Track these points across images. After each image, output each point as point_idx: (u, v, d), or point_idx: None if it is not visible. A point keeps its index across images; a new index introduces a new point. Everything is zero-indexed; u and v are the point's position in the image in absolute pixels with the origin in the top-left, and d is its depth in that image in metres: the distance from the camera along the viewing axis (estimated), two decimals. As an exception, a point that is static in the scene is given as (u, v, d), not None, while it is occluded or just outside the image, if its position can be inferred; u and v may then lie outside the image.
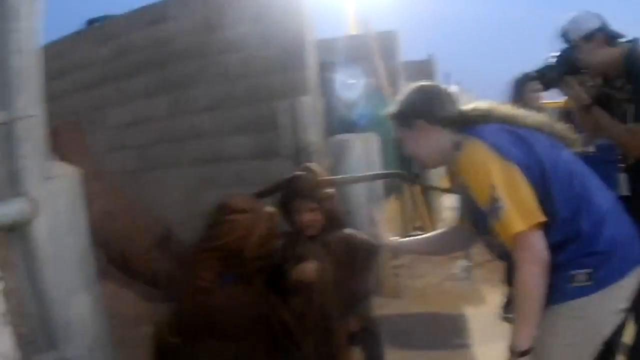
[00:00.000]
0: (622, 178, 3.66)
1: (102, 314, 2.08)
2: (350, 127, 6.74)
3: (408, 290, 6.89)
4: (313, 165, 3.80)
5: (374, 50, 9.69)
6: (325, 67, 6.71)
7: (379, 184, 6.62)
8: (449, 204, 12.35)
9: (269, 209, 3.49)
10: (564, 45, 3.85)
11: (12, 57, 1.77)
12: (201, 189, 6.14)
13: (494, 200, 2.36)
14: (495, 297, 6.44)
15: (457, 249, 3.44)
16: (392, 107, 2.83)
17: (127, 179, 6.88)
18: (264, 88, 5.90)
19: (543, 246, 2.36)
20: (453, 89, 2.86)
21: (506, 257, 2.51)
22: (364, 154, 6.01)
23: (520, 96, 5.31)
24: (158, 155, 6.79)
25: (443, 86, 2.91)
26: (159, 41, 6.68)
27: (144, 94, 6.84)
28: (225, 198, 3.39)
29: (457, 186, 2.76)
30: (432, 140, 2.71)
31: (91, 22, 7.92)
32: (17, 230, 1.77)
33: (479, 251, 8.45)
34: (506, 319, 5.49)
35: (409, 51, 12.44)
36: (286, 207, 3.62)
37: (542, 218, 2.36)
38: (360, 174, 5.49)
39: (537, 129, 2.63)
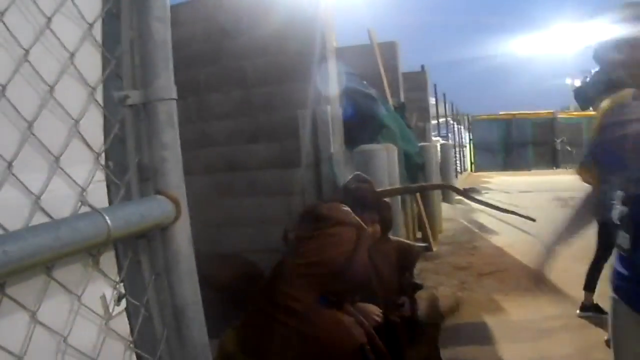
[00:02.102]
0: None
1: (199, 294, 1.67)
2: (370, 136, 6.68)
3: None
4: (364, 175, 3.77)
5: (379, 60, 9.67)
6: (344, 77, 6.67)
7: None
8: (446, 215, 12.41)
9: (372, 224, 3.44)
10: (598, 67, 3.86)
11: (155, 26, 1.48)
12: (216, 196, 6.05)
13: None
14: (511, 305, 6.46)
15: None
16: None
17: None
18: (281, 96, 5.84)
19: None
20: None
21: None
22: (388, 164, 5.96)
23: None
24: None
25: None
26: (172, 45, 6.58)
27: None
28: (317, 207, 3.21)
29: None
30: None
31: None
32: (148, 236, 1.46)
33: (486, 262, 8.56)
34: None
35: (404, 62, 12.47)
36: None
37: None
38: (412, 185, 5.49)
39: None
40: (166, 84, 1.48)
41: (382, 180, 5.63)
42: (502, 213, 5.98)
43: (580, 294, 6.06)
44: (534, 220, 4.56)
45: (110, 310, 1.41)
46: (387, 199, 3.78)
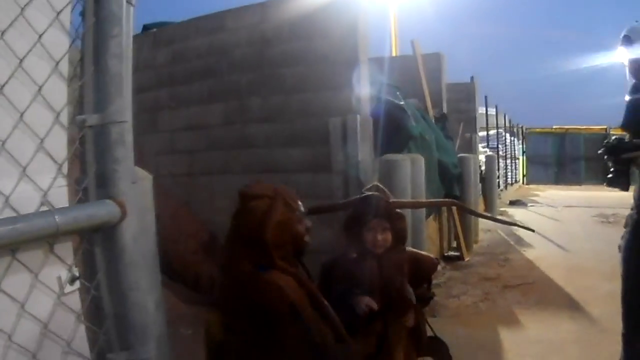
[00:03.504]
0: None
1: (165, 317, 2.14)
2: (399, 146, 6.87)
3: (443, 309, 6.99)
4: (382, 185, 3.90)
5: (421, 71, 9.80)
6: (377, 87, 6.86)
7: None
8: (485, 226, 12.44)
9: (289, 193, 3.54)
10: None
11: (111, 62, 1.87)
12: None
13: None
14: (529, 319, 6.57)
15: None
16: None
17: (176, 183, 7.07)
18: (316, 103, 6.04)
19: None
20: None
21: None
22: (412, 174, 6.14)
23: None
24: (208, 161, 6.97)
25: None
26: (215, 50, 6.87)
27: (198, 100, 7.03)
28: (245, 186, 3.44)
29: None
30: None
31: (147, 27, 8.08)
32: (103, 232, 1.86)
33: (515, 274, 8.66)
34: None
35: (449, 72, 12.57)
36: (357, 224, 3.71)
37: None
38: (426, 199, 5.61)
39: None
40: (118, 109, 1.91)
41: (405, 189, 5.82)
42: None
43: (600, 312, 6.11)
44: (532, 230, 4.61)
45: (64, 289, 1.84)
46: (400, 210, 3.88)
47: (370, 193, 3.76)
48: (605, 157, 3.91)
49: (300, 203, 3.40)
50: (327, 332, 3.17)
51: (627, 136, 4.05)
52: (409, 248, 3.88)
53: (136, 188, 1.95)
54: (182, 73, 7.22)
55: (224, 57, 6.79)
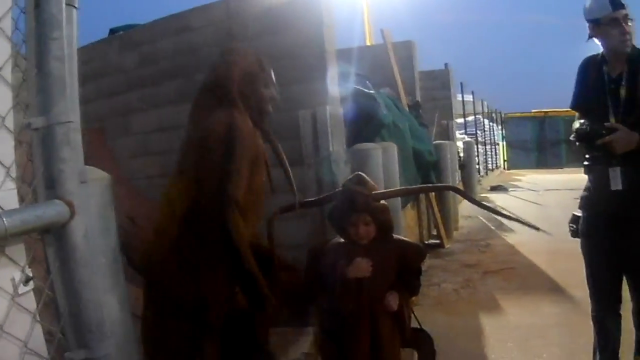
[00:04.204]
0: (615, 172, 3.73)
1: (129, 315, 2.17)
2: (370, 136, 6.83)
3: (423, 297, 6.97)
4: (364, 176, 3.83)
5: (392, 60, 9.78)
6: (346, 77, 6.83)
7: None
8: (465, 212, 12.46)
9: (265, 59, 3.65)
10: None
11: (53, 64, 1.86)
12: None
13: None
14: (510, 304, 6.58)
15: None
16: None
17: (151, 185, 7.01)
18: (286, 97, 5.99)
19: None
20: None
21: None
22: (384, 163, 6.10)
23: None
24: (182, 161, 6.89)
25: None
26: (183, 50, 6.80)
27: (169, 101, 6.96)
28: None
29: None
30: None
31: (113, 31, 8.04)
32: (53, 232, 1.87)
33: (496, 260, 8.66)
34: None
35: (425, 61, 12.58)
36: (339, 218, 3.70)
37: None
38: (413, 186, 5.55)
39: None
40: (63, 110, 1.88)
41: (378, 178, 5.78)
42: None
43: (582, 294, 6.14)
44: (537, 229, 4.52)
45: (18, 290, 1.85)
46: (384, 202, 3.84)
47: (350, 186, 3.72)
48: (578, 144, 3.88)
49: (272, 74, 3.68)
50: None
51: (576, 116, 4.05)
52: (397, 236, 3.86)
53: (87, 187, 1.97)
54: (151, 75, 7.15)
55: (191, 57, 6.72)
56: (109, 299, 2.01)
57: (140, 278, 3.67)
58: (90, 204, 1.97)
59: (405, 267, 3.69)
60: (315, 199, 4.29)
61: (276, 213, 3.89)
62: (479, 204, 4.61)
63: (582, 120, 3.79)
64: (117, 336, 2.02)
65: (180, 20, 6.86)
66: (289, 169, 3.89)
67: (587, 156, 3.89)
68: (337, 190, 3.90)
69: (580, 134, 3.77)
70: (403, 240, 3.90)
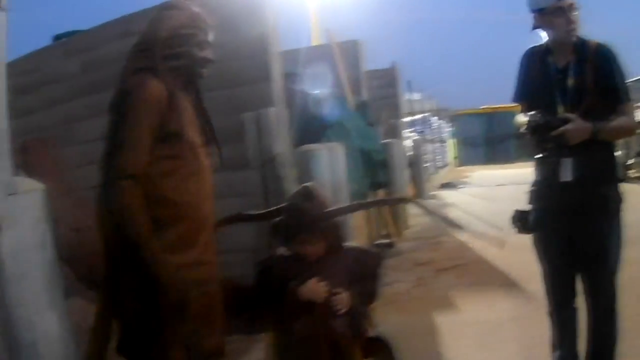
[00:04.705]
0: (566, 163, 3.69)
1: (69, 331, 2.02)
2: (315, 137, 6.77)
3: (376, 299, 6.89)
4: (314, 188, 3.55)
5: (337, 60, 9.74)
6: (290, 78, 6.75)
7: (344, 193, 6.64)
8: (415, 210, 12.45)
9: (207, 17, 3.36)
10: None
11: None
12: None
13: None
14: (465, 301, 6.55)
15: None
16: None
17: (96, 194, 6.84)
18: (230, 100, 5.90)
19: None
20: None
21: None
22: (330, 164, 6.04)
23: None
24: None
25: None
26: (124, 56, 6.65)
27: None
28: None
29: None
30: None
31: (58, 37, 7.85)
32: None
33: (448, 257, 8.64)
34: None
35: (373, 60, 12.55)
36: (284, 236, 3.46)
37: None
38: (367, 201, 5.37)
39: None
40: None
41: (324, 179, 5.71)
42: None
43: (536, 288, 6.11)
44: (503, 245, 4.32)
45: None
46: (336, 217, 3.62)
47: (297, 203, 3.51)
48: (530, 136, 3.82)
49: (212, 34, 3.32)
50: None
51: (520, 109, 4.00)
52: (350, 244, 3.67)
53: (18, 199, 1.82)
54: (94, 81, 6.98)
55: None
56: (46, 315, 1.90)
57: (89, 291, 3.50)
58: (21, 217, 1.83)
59: (360, 275, 3.51)
60: (260, 213, 3.89)
61: (217, 226, 3.62)
62: (434, 214, 4.42)
63: (532, 112, 3.72)
64: (54, 354, 1.88)
65: (123, 24, 6.69)
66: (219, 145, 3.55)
67: (539, 148, 3.83)
68: (283, 205, 3.56)
69: (533, 126, 3.70)
70: (356, 249, 3.67)
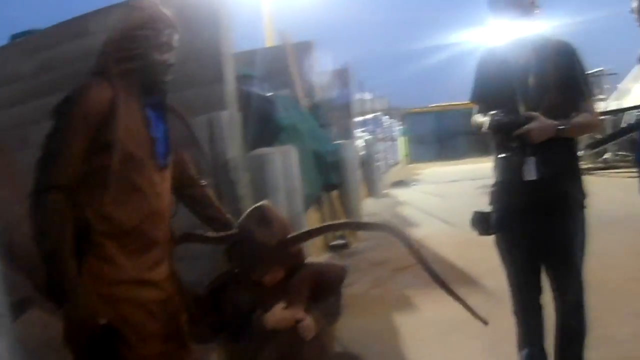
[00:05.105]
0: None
1: (17, 349, 1.86)
2: (269, 139, 6.71)
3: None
4: (269, 211, 3.38)
5: (291, 61, 9.68)
6: (242, 80, 6.67)
7: (298, 197, 6.58)
8: (368, 210, 12.43)
9: (169, 16, 3.09)
10: None
11: None
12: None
13: None
14: (424, 300, 6.49)
15: None
16: None
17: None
18: (181, 102, 5.77)
19: None
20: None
21: None
22: (284, 168, 5.97)
23: None
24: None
25: None
26: (82, 56, 6.46)
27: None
28: None
29: None
30: None
31: (15, 37, 7.65)
32: None
33: (404, 256, 8.60)
34: None
35: (325, 61, 12.52)
36: (242, 265, 3.33)
37: None
38: (329, 223, 5.12)
39: None
40: None
41: (278, 183, 5.65)
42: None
43: (495, 283, 6.08)
44: (486, 323, 4.02)
45: None
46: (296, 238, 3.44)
47: (252, 230, 3.27)
48: (493, 136, 3.79)
49: (175, 37, 3.08)
50: None
51: (475, 109, 3.99)
52: (311, 261, 3.53)
53: None
54: (50, 82, 6.79)
55: (90, 62, 6.42)
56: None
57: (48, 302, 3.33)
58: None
59: (323, 293, 3.40)
60: (214, 237, 3.50)
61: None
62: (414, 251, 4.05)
63: (494, 112, 3.69)
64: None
65: (78, 25, 6.52)
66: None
67: (501, 148, 3.80)
68: (235, 232, 3.35)
69: (496, 125, 3.67)
70: (317, 265, 3.54)
